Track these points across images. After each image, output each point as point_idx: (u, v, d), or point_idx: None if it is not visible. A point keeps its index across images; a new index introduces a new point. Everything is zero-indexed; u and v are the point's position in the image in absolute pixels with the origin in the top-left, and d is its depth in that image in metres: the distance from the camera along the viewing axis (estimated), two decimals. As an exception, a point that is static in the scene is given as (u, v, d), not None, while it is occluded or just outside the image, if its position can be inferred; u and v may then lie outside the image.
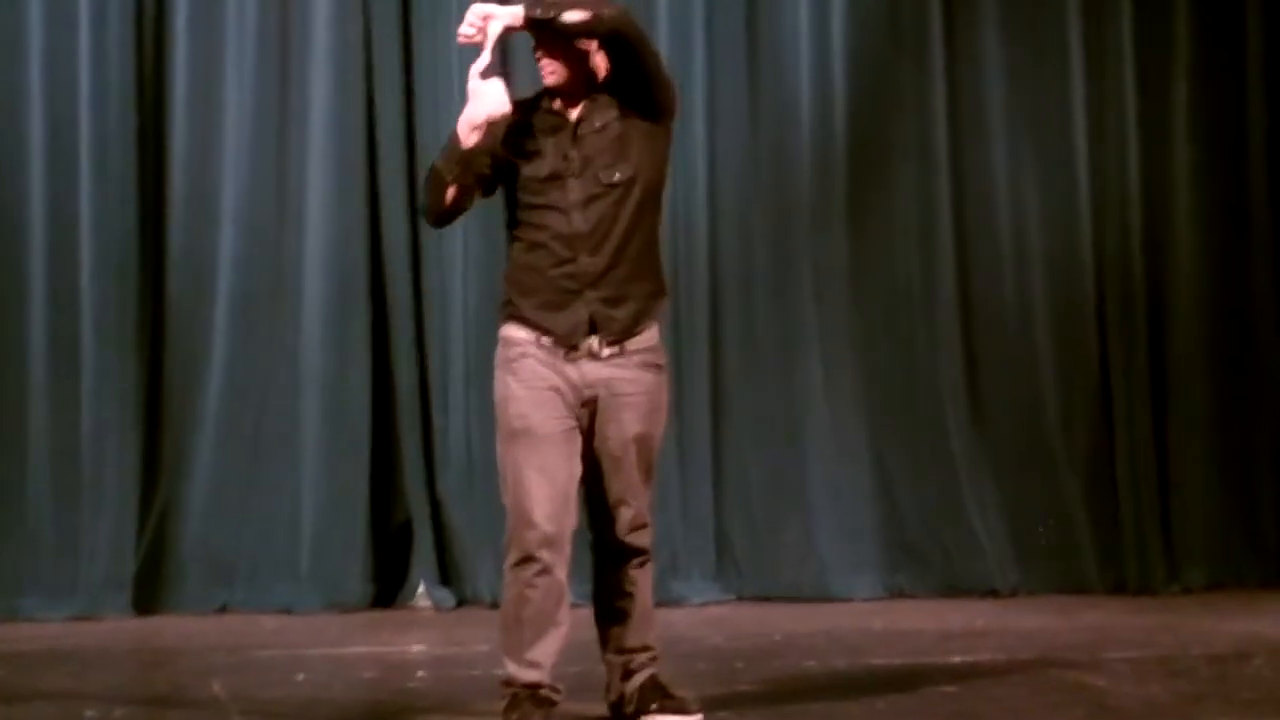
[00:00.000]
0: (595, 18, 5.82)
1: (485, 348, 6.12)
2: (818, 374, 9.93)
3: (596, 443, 5.96)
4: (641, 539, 6.04)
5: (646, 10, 9.86)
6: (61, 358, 9.49)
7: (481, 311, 9.18)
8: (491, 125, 5.87)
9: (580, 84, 5.96)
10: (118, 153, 9.56)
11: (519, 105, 6.01)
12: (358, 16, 9.74)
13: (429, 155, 9.37)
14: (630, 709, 6.02)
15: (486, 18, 5.88)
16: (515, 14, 5.84)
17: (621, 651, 6.06)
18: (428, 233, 9.70)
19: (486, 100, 5.85)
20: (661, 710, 5.99)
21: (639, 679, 6.04)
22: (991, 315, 10.16)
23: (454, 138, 5.91)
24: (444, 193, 5.97)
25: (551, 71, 5.97)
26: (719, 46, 10.02)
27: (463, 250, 9.60)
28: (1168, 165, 10.25)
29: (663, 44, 9.83)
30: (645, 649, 6.06)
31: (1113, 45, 10.22)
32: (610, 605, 6.05)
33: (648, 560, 6.07)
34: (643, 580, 6.06)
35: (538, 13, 5.83)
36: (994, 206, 10.18)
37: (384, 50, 9.65)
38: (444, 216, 6.08)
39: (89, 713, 6.45)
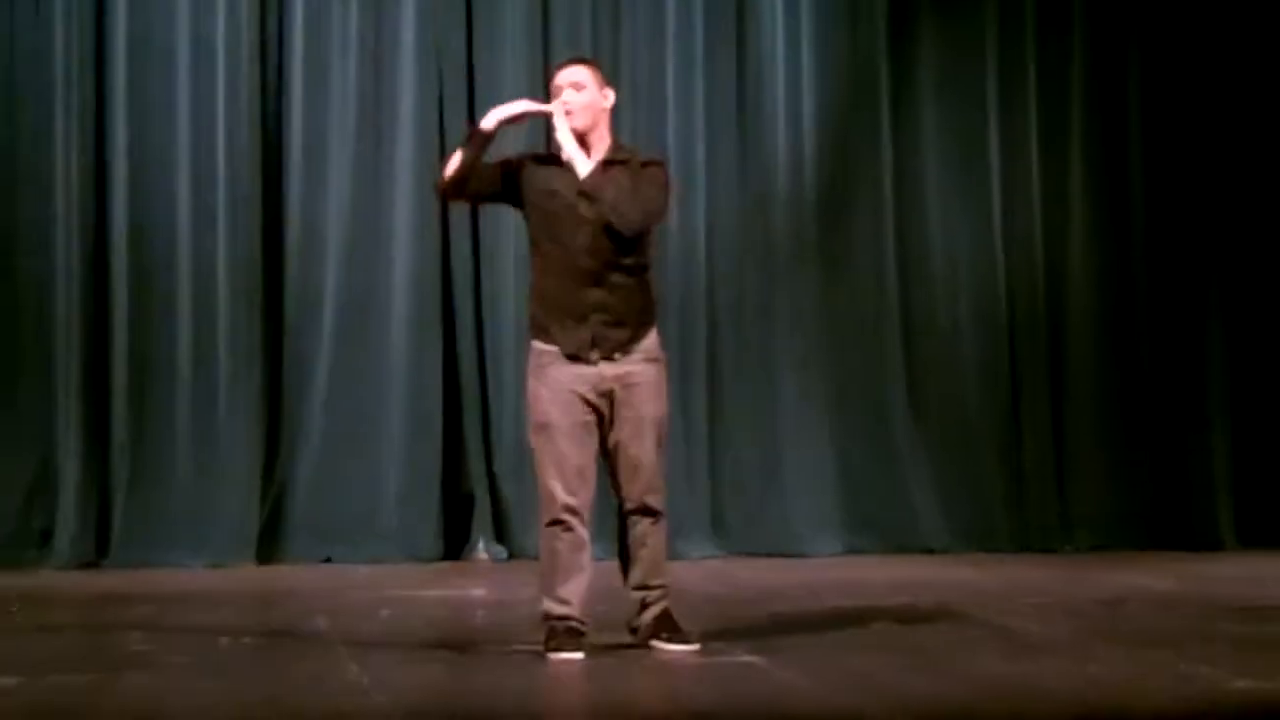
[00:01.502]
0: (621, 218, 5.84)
1: (531, 356, 6.11)
2: (792, 381, 9.92)
3: (617, 424, 5.92)
4: (655, 501, 6.00)
5: (658, 94, 9.87)
6: (201, 363, 9.48)
7: (527, 328, 9.17)
8: (506, 123, 5.94)
9: (588, 150, 5.93)
10: (246, 203, 9.56)
11: (544, 159, 6.03)
12: (434, 94, 9.74)
13: (492, 211, 9.47)
14: (646, 635, 6.01)
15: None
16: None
17: (639, 588, 6.03)
18: (488, 267, 9.71)
19: (517, 108, 5.99)
20: (670, 640, 5.96)
21: (654, 610, 6.01)
22: (927, 336, 10.16)
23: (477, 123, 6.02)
24: (450, 159, 5.98)
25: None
26: (715, 125, 10.01)
27: (514, 282, 9.59)
28: (1065, 219, 10.27)
29: (670, 121, 9.86)
30: (659, 586, 6.04)
31: (1021, 126, 10.25)
32: (631, 553, 6.02)
33: (660, 518, 6.04)
34: (657, 533, 6.02)
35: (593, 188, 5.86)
36: (929, 250, 10.18)
37: (453, 121, 9.63)
38: (451, 188, 6.00)
39: (222, 640, 6.45)
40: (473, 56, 9.78)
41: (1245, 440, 10.24)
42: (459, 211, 9.66)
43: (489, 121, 5.96)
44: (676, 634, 5.99)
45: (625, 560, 6.04)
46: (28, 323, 9.42)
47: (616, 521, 6.09)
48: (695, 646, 5.96)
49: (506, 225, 9.39)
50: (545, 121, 6.09)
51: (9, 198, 9.42)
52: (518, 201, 6.02)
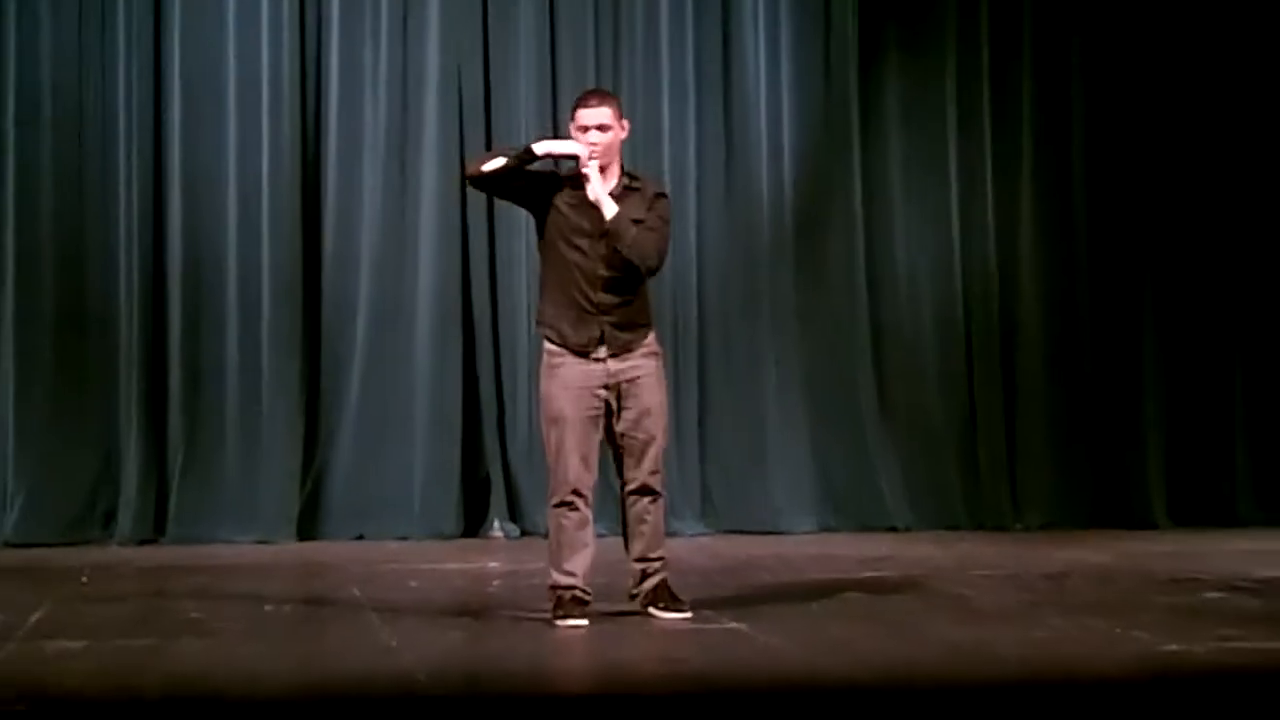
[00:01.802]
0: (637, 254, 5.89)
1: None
2: (773, 378, 9.90)
3: (623, 414, 5.93)
4: (656, 482, 6.01)
5: (655, 127, 9.86)
6: (247, 364, 9.46)
7: (538, 327, 9.18)
8: (550, 156, 5.96)
9: (604, 175, 5.94)
10: (287, 219, 9.55)
11: (571, 180, 6.00)
12: (454, 122, 9.73)
13: (506, 226, 9.51)
14: (645, 602, 6.01)
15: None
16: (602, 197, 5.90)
17: (640, 560, 6.03)
18: (504, 276, 9.70)
19: (565, 147, 5.95)
20: (666, 609, 5.97)
21: (653, 581, 6.02)
22: (893, 338, 10.13)
23: (529, 143, 6.02)
24: (491, 157, 5.98)
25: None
26: (705, 148, 10.01)
27: (527, 290, 9.58)
28: (1015, 236, 10.25)
29: (665, 147, 9.86)
30: (658, 559, 6.04)
31: (977, 154, 10.21)
32: (634, 529, 6.03)
33: (659, 497, 6.05)
34: (656, 511, 6.04)
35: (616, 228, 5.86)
36: (895, 262, 10.16)
37: (471, 145, 9.62)
38: (481, 180, 6.00)
39: (267, 607, 6.47)
40: (489, 90, 9.76)
41: (1176, 433, 10.24)
42: (477, 234, 9.68)
43: (541, 148, 5.97)
44: (673, 603, 6.00)
45: (628, 535, 6.05)
46: (94, 330, 9.42)
47: (620, 500, 6.09)
48: (688, 615, 5.97)
49: (520, 239, 9.40)
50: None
51: (78, 218, 9.43)
52: (534, 206, 6.02)
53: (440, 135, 9.69)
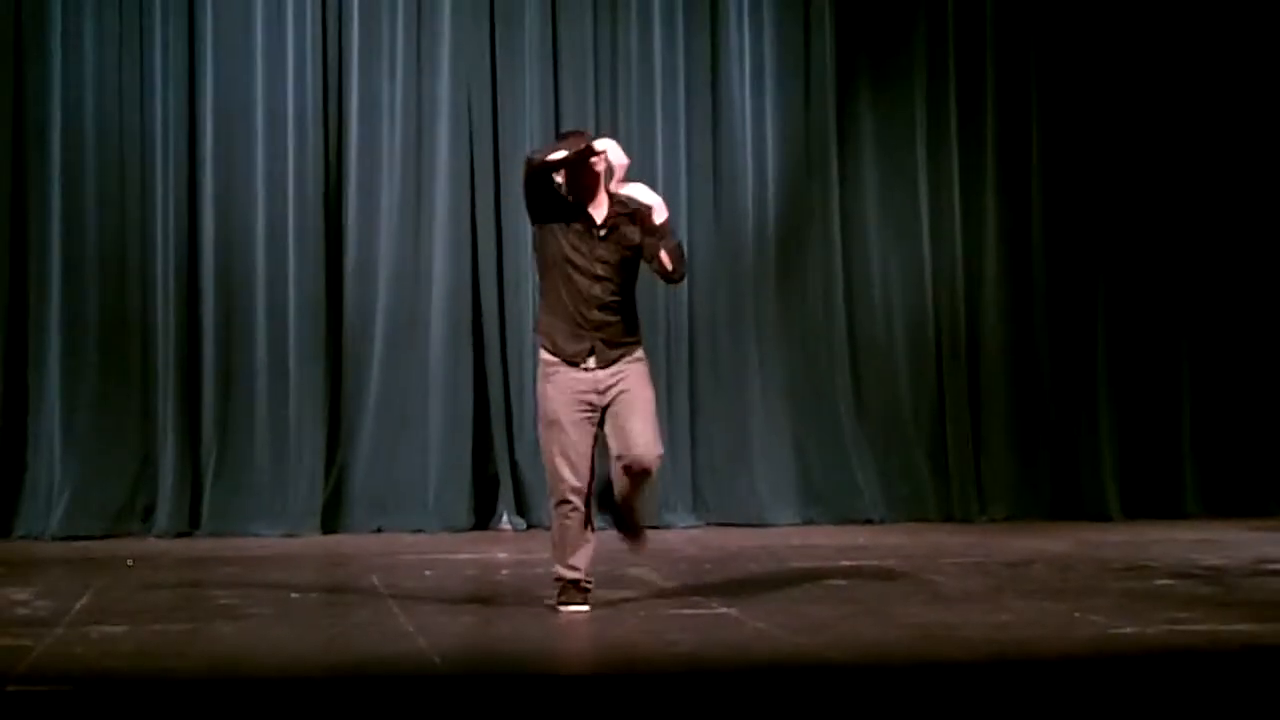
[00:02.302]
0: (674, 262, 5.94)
1: (544, 365, 6.09)
2: (758, 383, 9.88)
3: (617, 406, 5.88)
4: (654, 462, 5.95)
5: (649, 154, 9.84)
6: (275, 370, 9.43)
7: (535, 336, 9.16)
8: (598, 157, 5.87)
9: (604, 205, 5.94)
10: (311, 236, 9.52)
11: (574, 208, 5.95)
12: (465, 149, 9.72)
13: (513, 241, 9.50)
14: (608, 506, 6.03)
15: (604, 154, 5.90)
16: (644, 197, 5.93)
17: (626, 502, 6.04)
18: (511, 289, 9.68)
19: (617, 157, 5.91)
20: (623, 537, 6.07)
21: (631, 499, 6.02)
22: (868, 346, 10.11)
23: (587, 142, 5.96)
24: (556, 148, 5.96)
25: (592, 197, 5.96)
26: (695, 173, 9.99)
27: (530, 302, 9.56)
28: (980, 252, 10.23)
29: (659, 172, 9.83)
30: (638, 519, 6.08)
31: (945, 173, 10.20)
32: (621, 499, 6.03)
33: (650, 477, 6.02)
34: (644, 486, 6.05)
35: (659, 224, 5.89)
36: (869, 276, 10.14)
37: (481, 169, 9.63)
38: (543, 167, 5.90)
39: (294, 594, 6.46)
40: (497, 119, 9.75)
41: (1128, 433, 10.24)
42: (486, 250, 9.66)
43: (600, 144, 5.92)
44: (632, 535, 6.02)
45: (606, 495, 6.01)
46: (134, 339, 9.40)
47: (612, 472, 6.01)
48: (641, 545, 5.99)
49: (525, 254, 9.38)
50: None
51: (119, 235, 9.42)
52: (544, 216, 5.95)
53: (451, 160, 9.69)
